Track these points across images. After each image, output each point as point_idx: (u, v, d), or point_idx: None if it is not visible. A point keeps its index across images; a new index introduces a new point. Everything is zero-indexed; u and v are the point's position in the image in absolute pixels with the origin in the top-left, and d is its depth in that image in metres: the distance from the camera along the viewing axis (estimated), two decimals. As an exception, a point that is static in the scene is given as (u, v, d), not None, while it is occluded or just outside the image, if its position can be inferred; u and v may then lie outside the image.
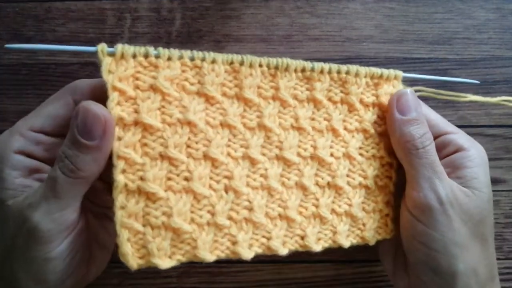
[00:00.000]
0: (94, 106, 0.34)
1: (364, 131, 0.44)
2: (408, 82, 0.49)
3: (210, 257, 0.37)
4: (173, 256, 0.36)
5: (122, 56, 0.36)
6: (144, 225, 0.35)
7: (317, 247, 0.42)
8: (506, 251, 0.54)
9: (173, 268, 0.53)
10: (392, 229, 0.45)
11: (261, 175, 0.40)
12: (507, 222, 0.55)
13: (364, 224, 0.44)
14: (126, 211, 0.35)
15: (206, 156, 0.37)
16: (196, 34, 0.56)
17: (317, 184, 0.42)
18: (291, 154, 0.41)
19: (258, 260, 0.53)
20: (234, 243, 0.38)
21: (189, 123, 0.37)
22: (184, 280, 0.53)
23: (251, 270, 0.53)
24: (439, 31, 0.57)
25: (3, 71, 0.56)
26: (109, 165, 0.37)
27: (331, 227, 0.43)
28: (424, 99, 0.48)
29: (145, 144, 0.36)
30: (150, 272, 0.53)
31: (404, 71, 0.46)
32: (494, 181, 0.51)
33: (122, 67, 0.36)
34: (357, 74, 0.44)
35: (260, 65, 0.40)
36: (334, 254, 0.52)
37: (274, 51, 0.55)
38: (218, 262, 0.54)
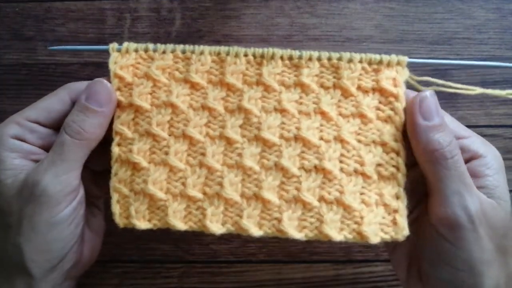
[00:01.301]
0: (103, 79, 0.41)
1: (362, 116, 0.42)
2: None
3: (180, 226, 0.41)
4: (152, 221, 0.42)
5: (127, 51, 0.43)
6: (130, 190, 0.42)
7: (298, 235, 0.40)
8: (506, 251, 0.54)
9: (174, 268, 0.54)
10: (404, 229, 0.40)
11: (238, 154, 0.42)
12: (507, 222, 0.55)
13: (362, 217, 0.40)
14: (117, 178, 0.42)
15: (184, 135, 0.42)
16: (196, 34, 0.56)
17: (302, 167, 0.41)
18: (269, 134, 0.42)
19: (258, 260, 0.53)
20: (205, 216, 0.41)
21: (172, 105, 0.42)
22: (184, 280, 0.53)
23: (251, 270, 0.53)
24: (439, 31, 0.57)
25: (3, 71, 0.56)
26: (96, 156, 0.41)
27: (318, 215, 0.40)
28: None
29: (137, 123, 0.43)
30: (150, 272, 0.53)
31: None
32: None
33: (125, 59, 0.43)
34: (350, 60, 0.43)
35: (246, 55, 0.43)
36: (334, 254, 0.52)
37: (274, 51, 0.55)
38: (218, 262, 0.54)
